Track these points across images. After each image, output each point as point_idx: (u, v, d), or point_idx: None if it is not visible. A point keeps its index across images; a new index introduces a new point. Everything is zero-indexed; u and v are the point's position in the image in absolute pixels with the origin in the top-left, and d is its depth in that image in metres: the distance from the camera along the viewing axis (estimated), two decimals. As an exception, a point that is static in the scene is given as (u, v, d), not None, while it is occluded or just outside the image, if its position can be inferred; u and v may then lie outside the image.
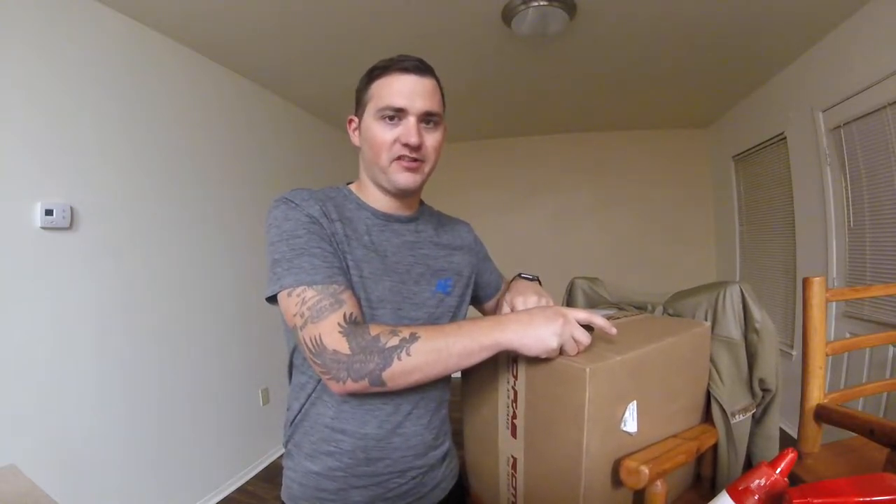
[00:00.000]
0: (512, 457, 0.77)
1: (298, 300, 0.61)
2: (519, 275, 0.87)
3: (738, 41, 2.17)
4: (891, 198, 1.85)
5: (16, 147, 1.43)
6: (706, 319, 0.94)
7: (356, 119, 0.74)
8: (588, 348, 0.66)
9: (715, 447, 0.86)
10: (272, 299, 0.66)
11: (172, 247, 1.99)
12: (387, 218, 0.75)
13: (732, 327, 0.92)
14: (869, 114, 1.91)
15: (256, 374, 2.48)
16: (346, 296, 0.63)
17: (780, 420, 0.96)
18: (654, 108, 3.25)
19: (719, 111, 3.33)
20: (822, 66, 2.18)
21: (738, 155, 3.21)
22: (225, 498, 2.18)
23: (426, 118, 0.69)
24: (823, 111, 2.20)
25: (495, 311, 0.95)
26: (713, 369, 0.89)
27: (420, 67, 0.68)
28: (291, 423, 0.74)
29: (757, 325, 0.91)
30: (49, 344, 1.51)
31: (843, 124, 2.06)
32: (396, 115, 0.67)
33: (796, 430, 1.05)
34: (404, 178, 0.69)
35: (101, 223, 1.68)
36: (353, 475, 0.69)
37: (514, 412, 0.75)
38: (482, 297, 0.94)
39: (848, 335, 2.06)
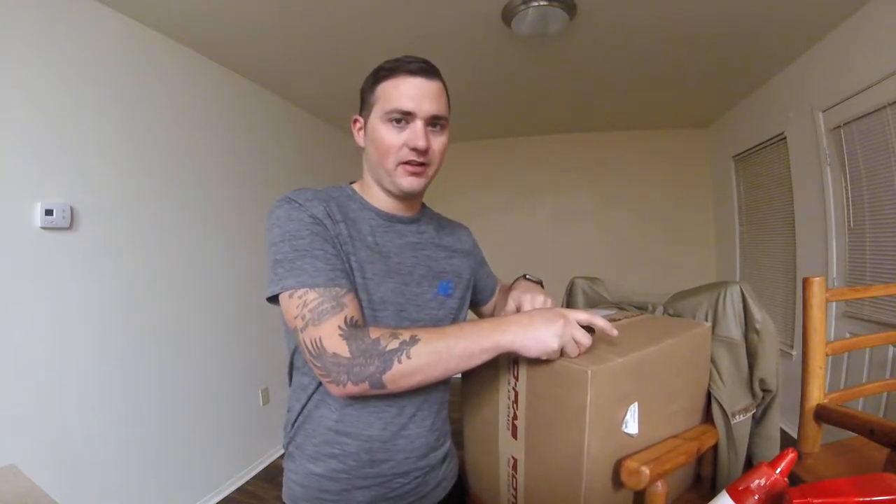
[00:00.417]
0: (512, 457, 0.77)
1: (300, 302, 0.61)
2: (524, 276, 0.87)
3: (738, 41, 2.17)
4: (891, 198, 1.85)
5: (16, 147, 1.42)
6: (706, 320, 0.94)
7: (361, 119, 0.74)
8: (589, 350, 0.66)
9: (715, 447, 0.86)
10: (273, 299, 0.65)
11: (172, 247, 1.99)
12: (390, 218, 0.75)
13: (733, 327, 0.92)
14: (869, 114, 1.91)
15: (256, 374, 2.48)
16: (348, 299, 0.62)
17: (781, 420, 0.96)
18: (654, 108, 3.25)
19: (719, 111, 3.33)
20: (822, 66, 2.18)
21: (738, 155, 3.21)
22: (225, 498, 2.18)
23: (433, 121, 0.68)
24: (823, 111, 2.20)
25: (493, 313, 0.96)
26: (713, 370, 0.89)
27: (427, 70, 0.68)
28: (293, 425, 0.74)
29: (757, 326, 0.91)
30: (49, 344, 1.50)
31: (843, 124, 2.06)
32: (404, 118, 0.67)
33: (796, 430, 1.05)
34: (409, 182, 0.70)
35: (101, 223, 1.68)
36: (356, 476, 0.69)
37: (514, 413, 0.75)
38: (479, 301, 0.95)
39: (848, 335, 2.06)
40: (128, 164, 1.80)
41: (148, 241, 1.87)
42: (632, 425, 0.68)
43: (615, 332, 0.68)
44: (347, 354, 0.58)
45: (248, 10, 1.81)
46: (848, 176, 2.09)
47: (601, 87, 2.84)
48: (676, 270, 3.70)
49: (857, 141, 2.01)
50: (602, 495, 0.68)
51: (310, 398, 0.71)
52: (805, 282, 1.03)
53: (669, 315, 1.03)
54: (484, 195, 4.09)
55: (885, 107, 1.81)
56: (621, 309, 1.06)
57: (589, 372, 0.62)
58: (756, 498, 0.42)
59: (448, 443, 0.81)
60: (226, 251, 2.30)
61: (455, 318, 0.80)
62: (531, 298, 0.75)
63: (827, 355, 1.04)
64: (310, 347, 0.60)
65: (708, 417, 0.88)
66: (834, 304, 2.09)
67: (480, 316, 0.98)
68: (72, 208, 1.57)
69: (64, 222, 1.54)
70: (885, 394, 1.80)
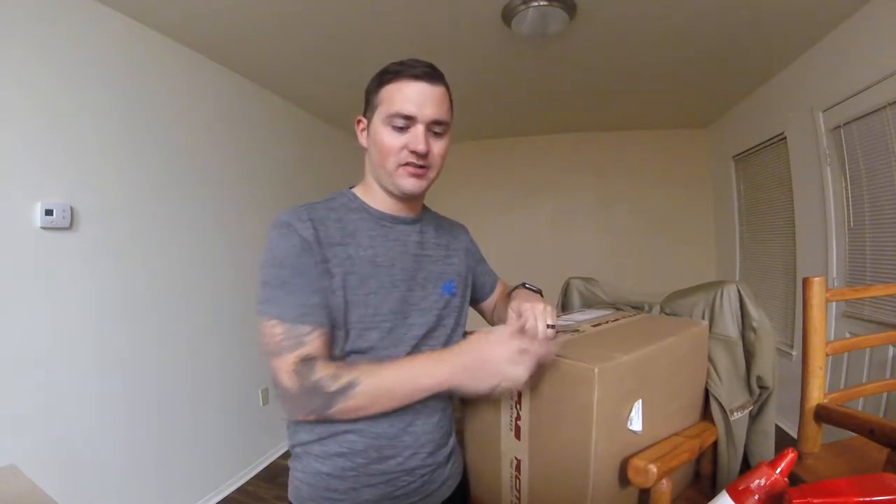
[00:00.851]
0: (516, 458, 0.77)
1: (270, 332, 0.65)
2: (523, 284, 0.88)
3: (739, 41, 2.17)
4: (891, 198, 1.85)
5: (16, 147, 1.43)
6: (703, 318, 0.94)
7: (364, 120, 0.75)
8: (590, 349, 0.67)
9: (714, 444, 0.87)
10: None
11: (172, 247, 1.99)
12: (393, 220, 0.76)
13: (730, 326, 0.93)
14: (869, 114, 1.91)
15: (256, 374, 2.47)
16: (311, 337, 0.65)
17: (779, 419, 0.96)
18: (654, 108, 3.25)
19: (719, 111, 3.33)
20: (822, 66, 2.18)
21: (738, 155, 3.21)
22: (225, 498, 2.18)
23: (434, 126, 0.70)
24: (823, 111, 2.20)
25: (494, 313, 0.97)
26: (711, 368, 0.90)
27: (431, 74, 0.69)
28: (298, 425, 0.74)
29: (754, 324, 0.91)
30: (49, 344, 1.50)
31: (843, 124, 2.06)
32: (405, 121, 0.68)
33: (796, 430, 1.05)
34: (410, 184, 0.71)
35: (101, 223, 1.68)
36: (364, 474, 0.70)
37: (517, 413, 0.75)
38: (478, 298, 0.96)
39: (848, 335, 2.06)
40: (128, 164, 1.80)
41: (148, 241, 1.88)
42: (636, 423, 0.68)
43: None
44: (295, 390, 0.63)
45: (248, 10, 1.81)
46: (848, 176, 2.09)
47: (601, 87, 2.84)
48: (676, 270, 3.70)
49: (857, 141, 2.01)
50: (608, 494, 0.68)
51: None
52: (805, 282, 1.03)
53: (666, 314, 1.03)
54: (484, 195, 4.09)
55: (884, 107, 1.81)
56: (618, 309, 1.06)
57: (596, 370, 0.62)
58: (756, 498, 0.42)
59: (452, 440, 0.82)
60: (226, 251, 2.30)
61: (458, 316, 0.82)
62: (531, 307, 0.75)
63: (827, 355, 1.04)
64: (271, 373, 0.66)
65: (706, 415, 0.88)
66: (834, 304, 2.09)
67: (481, 313, 0.99)
68: (72, 208, 1.57)
69: (64, 222, 1.54)
70: (885, 394, 1.80)
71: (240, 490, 2.27)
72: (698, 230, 3.79)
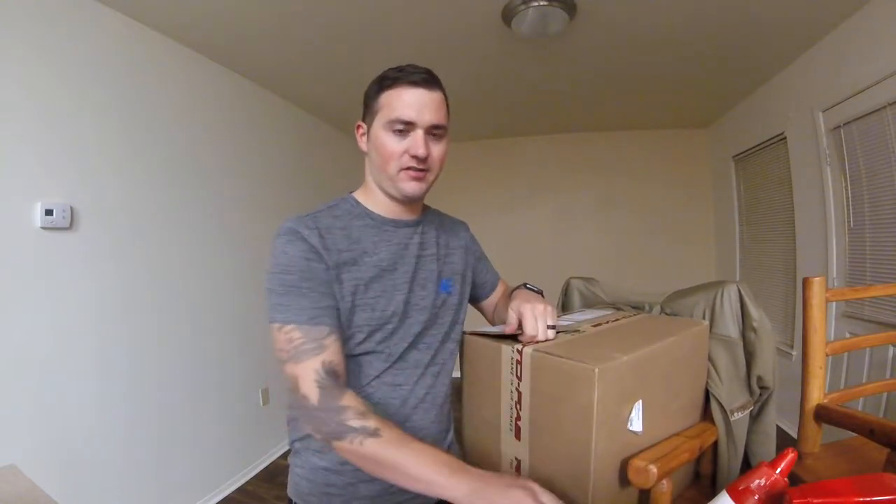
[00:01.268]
0: (516, 459, 0.76)
1: (285, 338, 0.64)
2: (524, 285, 0.88)
3: (739, 41, 2.17)
4: (891, 198, 1.85)
5: (16, 147, 1.42)
6: (704, 318, 0.94)
7: (364, 125, 0.76)
8: (590, 349, 0.67)
9: (714, 445, 0.87)
10: None
11: (172, 247, 1.99)
12: (395, 225, 0.77)
13: (730, 326, 0.93)
14: (869, 114, 1.91)
15: (256, 374, 2.48)
16: (330, 340, 0.65)
17: (779, 419, 0.96)
18: (654, 108, 3.25)
19: (719, 111, 3.33)
20: (822, 66, 2.18)
21: (738, 155, 3.21)
22: (225, 498, 2.18)
23: (433, 130, 0.71)
24: (823, 111, 2.20)
25: (494, 313, 0.97)
26: (711, 368, 0.90)
27: (429, 80, 0.70)
28: (297, 421, 0.76)
29: (755, 324, 0.91)
30: (49, 344, 1.50)
31: (843, 124, 2.06)
32: (405, 127, 0.69)
33: (796, 430, 1.05)
34: (411, 187, 0.72)
35: (101, 223, 1.68)
36: (361, 469, 0.70)
37: (517, 414, 0.75)
38: (479, 296, 0.96)
39: (848, 335, 2.06)
40: (128, 164, 1.80)
41: (148, 241, 1.88)
42: (636, 423, 0.68)
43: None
44: (315, 403, 0.61)
45: (248, 10, 1.81)
46: (848, 176, 2.09)
47: (601, 87, 2.84)
48: (676, 270, 3.70)
49: (857, 141, 2.01)
50: (608, 494, 0.68)
51: None
52: (805, 282, 1.03)
53: (667, 314, 1.03)
54: (484, 195, 4.09)
55: (884, 107, 1.81)
56: (618, 309, 1.06)
57: (596, 370, 0.62)
58: (756, 498, 0.42)
59: (450, 435, 0.84)
60: (226, 251, 2.30)
61: (456, 313, 0.83)
62: (531, 308, 0.75)
63: (827, 355, 1.04)
64: (289, 381, 0.64)
65: (706, 415, 0.88)
66: (834, 304, 2.09)
67: (482, 311, 1.00)
68: (72, 208, 1.57)
69: (64, 222, 1.54)
70: (885, 394, 1.80)
71: (240, 490, 2.27)
72: (698, 230, 3.79)
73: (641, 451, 0.69)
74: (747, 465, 0.92)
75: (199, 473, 2.08)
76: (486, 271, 0.97)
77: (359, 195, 0.79)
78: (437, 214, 0.88)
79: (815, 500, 0.38)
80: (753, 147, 2.97)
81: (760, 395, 0.94)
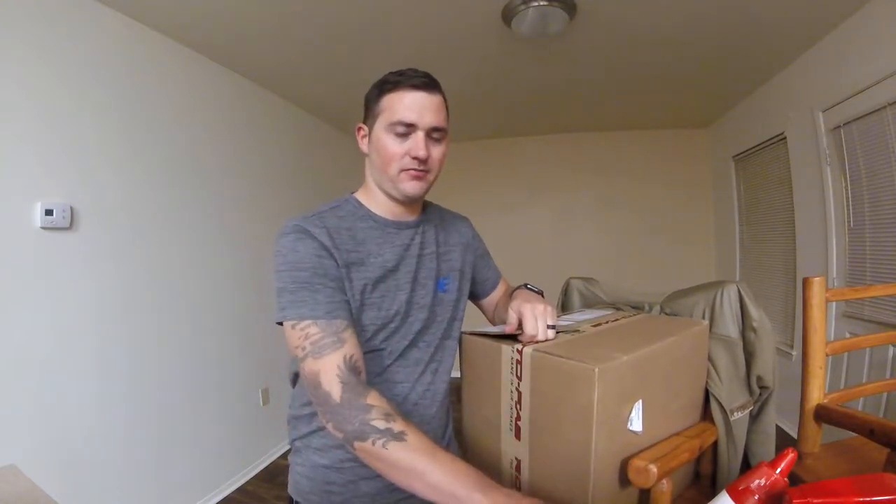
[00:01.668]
0: (516, 458, 0.76)
1: (302, 334, 0.64)
2: (525, 285, 0.88)
3: (739, 41, 2.17)
4: (891, 198, 1.85)
5: (16, 147, 1.42)
6: (704, 318, 0.94)
7: (365, 127, 0.77)
8: (590, 349, 0.67)
9: (714, 445, 0.87)
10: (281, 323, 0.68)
11: (172, 247, 1.99)
12: (397, 226, 0.78)
13: (730, 326, 0.93)
14: (869, 114, 1.91)
15: (256, 374, 2.48)
16: (348, 334, 0.65)
17: (779, 419, 0.96)
18: (654, 108, 3.25)
19: (719, 111, 3.33)
20: (822, 66, 2.18)
21: (738, 155, 3.21)
22: (225, 498, 2.18)
23: (433, 132, 0.72)
24: (823, 111, 2.20)
25: (494, 312, 0.96)
26: (711, 368, 0.90)
27: (429, 84, 0.72)
28: (298, 419, 0.77)
29: (754, 324, 0.91)
30: (49, 344, 1.50)
31: (843, 124, 2.06)
32: (406, 129, 0.70)
33: (796, 430, 1.05)
34: (411, 187, 0.73)
35: (101, 223, 1.68)
36: (362, 466, 0.70)
37: (517, 414, 0.75)
38: (479, 294, 0.96)
39: (848, 335, 2.06)
40: (128, 164, 1.80)
41: (148, 241, 1.88)
42: (637, 423, 0.68)
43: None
44: (338, 400, 0.60)
45: (248, 10, 1.81)
46: (848, 176, 2.09)
47: (601, 87, 2.84)
48: (676, 270, 3.70)
49: (857, 141, 2.01)
50: (608, 494, 0.68)
51: None
52: (805, 282, 1.03)
53: (667, 314, 1.03)
54: (484, 195, 4.09)
55: (884, 107, 1.81)
56: (617, 309, 1.06)
57: (596, 370, 0.62)
58: (756, 498, 0.42)
59: (449, 433, 0.84)
60: (226, 251, 2.30)
61: (454, 310, 0.83)
62: (531, 307, 0.75)
63: (827, 355, 1.04)
64: (308, 377, 0.63)
65: (706, 415, 0.88)
66: (834, 304, 2.09)
67: (482, 310, 1.00)
68: (72, 208, 1.57)
69: (64, 222, 1.54)
70: (885, 394, 1.80)
71: (240, 490, 2.27)
72: (698, 230, 3.79)
73: (641, 451, 0.69)
74: (747, 465, 0.92)
75: (199, 473, 2.08)
76: (488, 269, 0.97)
77: (360, 196, 0.79)
78: (437, 211, 0.89)
79: (815, 500, 0.38)
80: (753, 147, 2.97)
81: (760, 394, 0.94)
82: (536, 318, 0.73)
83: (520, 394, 0.74)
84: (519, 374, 0.74)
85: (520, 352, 0.74)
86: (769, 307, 2.81)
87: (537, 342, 0.73)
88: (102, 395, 1.66)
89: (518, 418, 0.75)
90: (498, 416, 0.79)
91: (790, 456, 0.43)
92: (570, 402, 0.66)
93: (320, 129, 3.29)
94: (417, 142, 0.70)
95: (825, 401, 1.02)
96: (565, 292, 1.26)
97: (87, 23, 1.64)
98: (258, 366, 2.47)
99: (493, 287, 0.97)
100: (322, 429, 0.73)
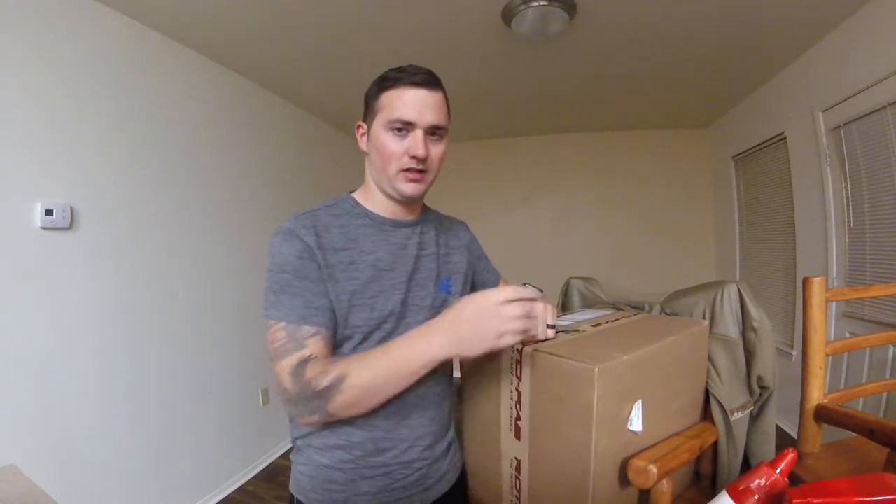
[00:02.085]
0: (516, 458, 0.77)
1: (274, 337, 0.66)
2: (525, 284, 0.88)
3: (738, 41, 2.17)
4: (891, 198, 1.85)
5: (16, 147, 1.42)
6: (704, 318, 0.94)
7: (364, 125, 0.76)
8: (590, 349, 0.67)
9: (714, 445, 0.87)
10: None
11: (173, 246, 1.99)
12: (395, 225, 0.77)
13: (730, 326, 0.93)
14: (869, 114, 1.91)
15: (256, 374, 2.48)
16: (313, 340, 0.66)
17: (779, 419, 0.96)
18: (654, 108, 3.25)
19: (719, 111, 3.33)
20: (822, 66, 2.18)
21: (738, 155, 3.21)
22: (225, 498, 2.18)
23: (433, 131, 0.71)
24: (823, 111, 2.20)
25: None
26: (712, 368, 0.90)
27: (430, 81, 0.71)
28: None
29: (755, 324, 0.91)
30: (49, 344, 1.50)
31: (843, 124, 2.06)
32: (405, 127, 0.70)
33: (796, 429, 1.05)
34: (410, 188, 0.73)
35: (101, 223, 1.68)
36: (363, 466, 0.72)
37: (517, 414, 0.75)
38: None
39: (848, 335, 2.06)
40: (128, 164, 1.80)
41: (148, 241, 1.87)
42: (636, 423, 0.68)
43: (551, 320, 0.72)
44: (292, 392, 0.64)
45: (249, 10, 1.81)
46: (848, 176, 2.09)
47: (601, 88, 2.84)
48: (676, 270, 3.70)
49: (857, 141, 2.01)
50: (608, 494, 0.68)
51: None
52: (805, 282, 1.03)
53: (667, 314, 1.03)
54: (484, 195, 4.09)
55: (884, 107, 1.81)
56: (618, 309, 1.06)
57: (596, 370, 0.62)
58: (756, 498, 0.42)
59: (451, 433, 0.83)
60: (226, 251, 2.30)
61: None
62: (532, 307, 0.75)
63: (827, 355, 1.04)
64: (275, 378, 0.66)
65: (706, 415, 0.88)
66: (834, 304, 2.09)
67: None
68: (72, 208, 1.57)
69: (64, 222, 1.54)
70: (885, 394, 1.80)
71: (240, 490, 2.27)
72: (698, 230, 3.79)
73: (641, 451, 0.69)
74: (747, 466, 0.92)
75: (199, 473, 2.08)
76: (487, 270, 0.97)
77: (358, 195, 0.79)
78: (436, 215, 0.88)
79: (815, 500, 0.38)
80: (753, 147, 2.97)
81: (760, 395, 0.94)
82: (536, 318, 0.73)
83: (519, 394, 0.74)
84: (519, 374, 0.74)
85: (520, 351, 0.74)
86: (769, 307, 2.81)
87: (537, 342, 0.73)
88: (102, 395, 1.66)
89: (518, 418, 0.75)
90: (498, 416, 0.79)
91: (790, 456, 0.43)
92: (570, 402, 0.66)
93: (320, 129, 3.29)
94: (416, 140, 0.69)
95: (825, 401, 1.02)
96: (565, 292, 1.26)
97: (87, 23, 1.64)
98: (258, 366, 2.47)
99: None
100: (321, 428, 0.72)
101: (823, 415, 0.99)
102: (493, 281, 0.97)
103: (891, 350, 1.84)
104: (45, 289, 1.50)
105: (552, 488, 0.71)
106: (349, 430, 0.71)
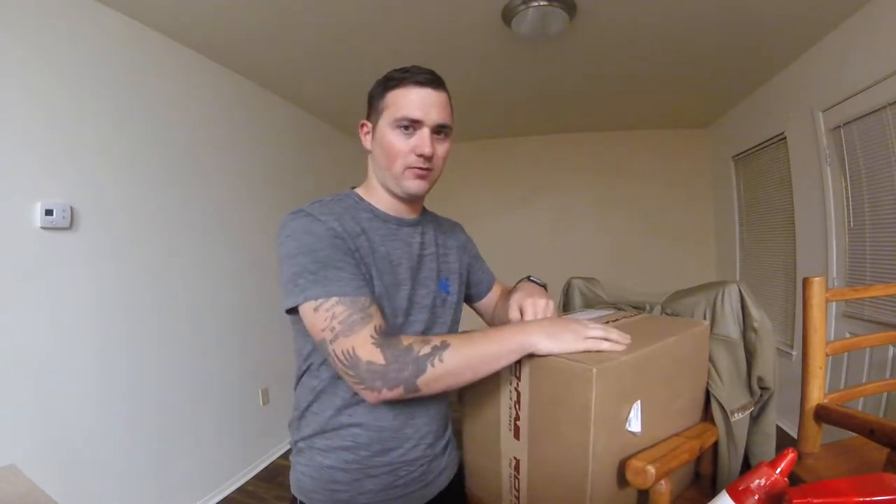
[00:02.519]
0: (515, 458, 0.76)
1: (328, 315, 0.62)
2: (528, 277, 0.88)
3: (738, 41, 2.17)
4: (891, 198, 1.85)
5: (16, 147, 1.42)
6: (705, 319, 0.94)
7: (369, 124, 0.76)
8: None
9: (715, 445, 0.87)
10: (292, 310, 0.66)
11: (172, 246, 1.99)
12: (398, 222, 0.78)
13: (731, 326, 0.93)
14: (868, 114, 1.91)
15: (256, 374, 2.48)
16: (374, 309, 0.65)
17: (779, 419, 0.96)
18: (654, 108, 3.25)
19: (719, 111, 3.33)
20: (822, 66, 2.18)
21: (738, 155, 3.21)
22: (225, 498, 2.18)
23: (438, 129, 0.72)
24: (823, 111, 2.20)
25: (492, 312, 0.97)
26: (712, 368, 0.90)
27: (434, 81, 0.71)
28: (300, 421, 0.76)
29: (755, 325, 0.91)
30: (49, 344, 1.50)
31: (843, 124, 2.06)
32: (412, 125, 0.70)
33: (796, 430, 1.05)
34: (415, 185, 0.73)
35: (101, 223, 1.68)
36: (368, 466, 0.72)
37: (517, 414, 0.75)
38: (473, 296, 0.96)
39: (848, 335, 2.06)
40: (128, 164, 1.80)
41: (148, 241, 1.87)
42: (635, 423, 0.68)
43: (627, 340, 0.70)
44: (382, 361, 0.61)
45: (249, 10, 1.81)
46: (848, 176, 2.09)
47: (601, 88, 2.84)
48: (676, 270, 3.70)
49: (857, 141, 2.01)
50: (606, 494, 0.68)
51: (318, 396, 0.73)
52: (805, 282, 1.03)
53: (667, 314, 1.03)
54: (484, 195, 4.09)
55: (884, 107, 1.81)
56: (618, 309, 1.06)
57: (594, 370, 0.62)
58: (756, 498, 0.42)
59: (449, 431, 0.84)
60: (226, 251, 2.30)
61: (455, 313, 0.84)
62: (532, 302, 0.75)
63: (827, 355, 1.04)
64: (342, 358, 0.62)
65: (707, 416, 0.88)
66: (834, 304, 2.09)
67: (479, 312, 1.00)
68: (72, 208, 1.57)
69: (64, 222, 1.54)
70: (885, 394, 1.80)
71: (240, 490, 2.27)
72: (698, 230, 3.79)
73: (640, 452, 0.69)
74: (747, 466, 0.92)
75: (199, 473, 2.08)
76: (481, 271, 0.97)
77: (361, 192, 0.79)
78: (433, 216, 0.89)
79: (815, 500, 0.38)
80: (753, 147, 2.97)
81: (761, 395, 0.94)
82: (537, 314, 0.74)
83: (519, 394, 0.74)
84: (518, 374, 0.74)
85: (520, 352, 0.73)
86: (769, 307, 2.81)
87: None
88: (102, 395, 1.66)
89: (517, 418, 0.75)
90: (497, 416, 0.79)
91: (790, 456, 0.43)
92: (568, 402, 0.66)
93: (320, 129, 3.29)
94: (423, 139, 0.70)
95: (825, 401, 1.02)
96: (566, 292, 1.26)
97: (87, 23, 1.64)
98: (258, 366, 2.47)
99: (488, 289, 0.97)
100: (324, 431, 0.72)
101: (823, 415, 0.99)
102: (488, 281, 0.98)
103: (891, 350, 1.84)
104: (45, 289, 1.50)
105: (551, 488, 0.71)
106: (355, 431, 0.71)
